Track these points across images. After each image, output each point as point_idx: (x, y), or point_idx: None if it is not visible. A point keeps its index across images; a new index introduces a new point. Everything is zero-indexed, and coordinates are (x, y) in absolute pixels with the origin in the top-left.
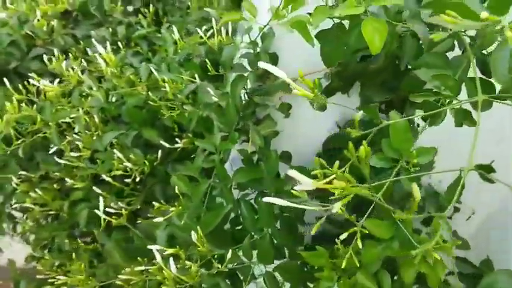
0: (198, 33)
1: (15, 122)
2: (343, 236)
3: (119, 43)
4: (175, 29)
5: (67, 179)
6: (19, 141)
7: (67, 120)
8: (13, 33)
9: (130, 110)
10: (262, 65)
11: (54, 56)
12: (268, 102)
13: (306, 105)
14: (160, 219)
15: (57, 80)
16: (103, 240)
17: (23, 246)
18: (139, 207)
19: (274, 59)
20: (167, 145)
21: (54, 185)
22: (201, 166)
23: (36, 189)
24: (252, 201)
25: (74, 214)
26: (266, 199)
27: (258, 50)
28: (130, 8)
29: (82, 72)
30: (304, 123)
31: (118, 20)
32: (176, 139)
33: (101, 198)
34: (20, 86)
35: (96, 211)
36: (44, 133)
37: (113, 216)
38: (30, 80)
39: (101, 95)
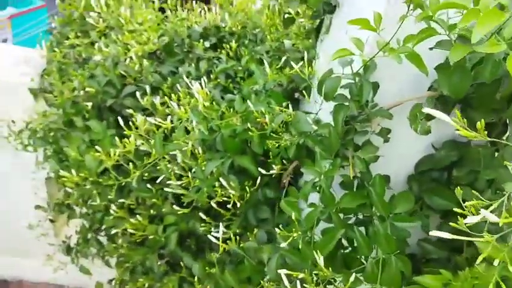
0: (274, 63)
1: (123, 155)
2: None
3: (203, 78)
4: (266, 64)
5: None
6: (136, 172)
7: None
8: (108, 73)
9: (225, 140)
10: (428, 110)
11: (145, 92)
12: (368, 128)
13: (401, 127)
14: (284, 244)
15: (168, 117)
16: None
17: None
18: (238, 231)
19: (375, 88)
20: (263, 171)
21: (150, 211)
22: (309, 192)
23: (136, 216)
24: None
25: (166, 237)
26: (433, 233)
27: (357, 79)
28: (207, 44)
29: (168, 107)
30: (397, 144)
31: (197, 56)
32: (273, 166)
33: (220, 225)
34: (122, 122)
35: (209, 236)
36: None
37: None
38: (136, 116)
39: (204, 128)
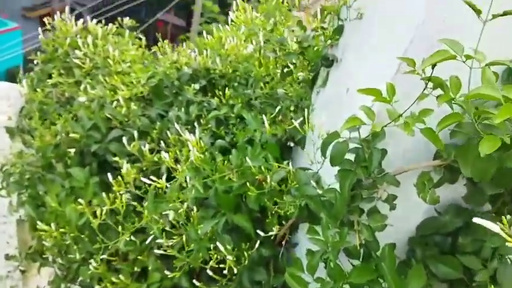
0: (268, 112)
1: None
2: None
3: (195, 124)
4: (265, 119)
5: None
6: (125, 234)
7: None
8: (93, 116)
9: (220, 196)
10: (478, 220)
11: (132, 137)
12: (375, 195)
13: (400, 189)
14: None
15: (164, 176)
16: None
17: None
18: None
19: (383, 155)
20: (262, 234)
21: (134, 267)
22: (316, 266)
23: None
24: None
25: None
26: None
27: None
28: (197, 86)
29: (158, 152)
30: (397, 205)
31: (187, 99)
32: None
33: None
34: (108, 171)
35: None
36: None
37: None
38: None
39: (199, 184)
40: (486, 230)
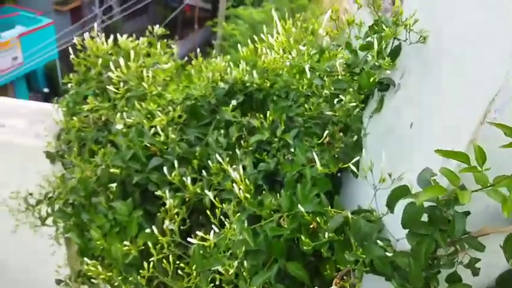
0: (315, 137)
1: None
2: None
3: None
4: (315, 156)
5: None
6: None
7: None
8: (132, 145)
9: (272, 243)
10: None
11: (173, 165)
12: (455, 260)
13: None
14: None
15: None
16: None
17: None
18: None
19: (466, 217)
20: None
21: None
22: None
23: None
24: None
25: None
26: None
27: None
28: (234, 102)
29: (200, 181)
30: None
31: (226, 119)
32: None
33: None
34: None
35: None
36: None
37: None
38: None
39: (248, 235)
40: None
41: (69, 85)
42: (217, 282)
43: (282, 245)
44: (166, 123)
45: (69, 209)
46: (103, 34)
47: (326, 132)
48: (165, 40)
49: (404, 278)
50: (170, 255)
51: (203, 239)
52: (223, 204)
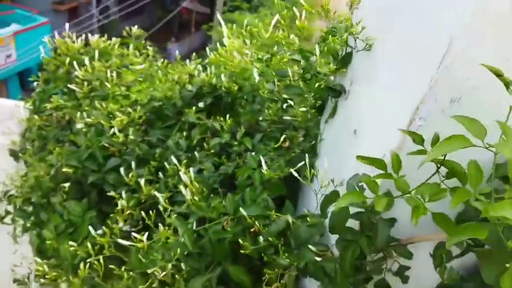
0: (273, 141)
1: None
2: None
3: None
4: (263, 160)
5: None
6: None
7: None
8: (91, 145)
9: (215, 246)
10: None
11: (130, 166)
12: (383, 266)
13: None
14: None
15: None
16: None
17: None
18: None
19: (392, 225)
20: None
21: None
22: None
23: None
24: None
25: None
26: None
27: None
28: (201, 105)
29: (157, 182)
30: (416, 273)
31: (190, 122)
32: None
33: None
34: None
35: None
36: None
37: None
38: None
39: (188, 238)
40: None
41: (35, 83)
42: (155, 285)
43: (225, 248)
44: (127, 123)
45: (30, 208)
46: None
47: (283, 136)
48: (148, 42)
49: (333, 282)
50: (101, 257)
51: (139, 241)
52: (175, 206)
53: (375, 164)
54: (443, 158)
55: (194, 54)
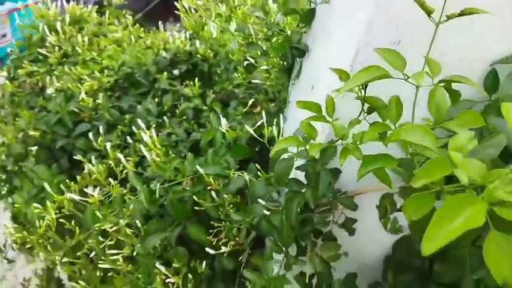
0: (242, 106)
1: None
2: None
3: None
4: (223, 120)
5: None
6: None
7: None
8: (60, 110)
9: (175, 205)
10: None
11: (99, 132)
12: (329, 218)
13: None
14: None
15: (97, 188)
16: None
17: None
18: None
19: (335, 175)
20: (213, 252)
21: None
22: None
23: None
24: None
25: None
26: None
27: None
28: (176, 72)
29: (124, 148)
30: (369, 227)
31: (162, 88)
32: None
33: None
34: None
35: None
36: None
37: None
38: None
39: (145, 197)
40: (467, 256)
41: (8, 50)
42: (111, 242)
43: (185, 208)
44: (97, 89)
45: (4, 175)
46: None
47: (251, 100)
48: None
49: (278, 237)
50: (53, 214)
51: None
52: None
53: (311, 109)
54: (364, 94)
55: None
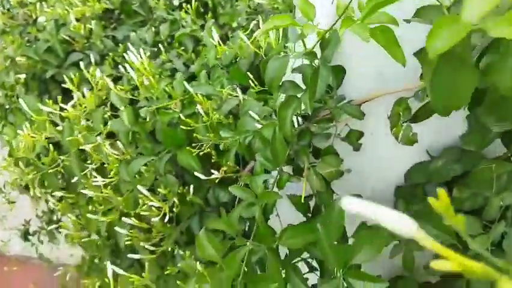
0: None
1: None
2: None
3: (160, 45)
4: (214, 30)
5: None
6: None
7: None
8: (50, 38)
9: (164, 130)
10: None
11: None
12: (331, 130)
13: (382, 129)
14: None
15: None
16: None
17: None
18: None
19: (338, 74)
20: (202, 177)
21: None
22: (236, 221)
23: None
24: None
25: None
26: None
27: (317, 62)
28: (176, 2)
29: (117, 80)
30: (378, 152)
31: (162, 18)
32: (213, 170)
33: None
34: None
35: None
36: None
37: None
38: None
39: (127, 115)
40: (492, 182)
41: None
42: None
43: (175, 132)
44: (91, 15)
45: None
46: None
47: (253, 22)
48: None
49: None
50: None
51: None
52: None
53: None
54: None
55: None
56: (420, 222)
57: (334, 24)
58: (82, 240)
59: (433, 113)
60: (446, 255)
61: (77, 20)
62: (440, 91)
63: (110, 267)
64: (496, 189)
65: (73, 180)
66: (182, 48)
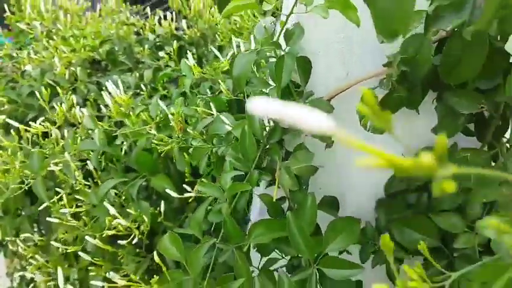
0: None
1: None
2: None
3: (143, 86)
4: (190, 54)
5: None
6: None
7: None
8: (34, 84)
9: (138, 154)
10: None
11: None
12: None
13: (358, 127)
14: None
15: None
16: None
17: None
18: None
19: (305, 66)
20: (175, 195)
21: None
22: (201, 220)
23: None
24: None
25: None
26: None
27: (282, 53)
28: (162, 54)
29: (99, 120)
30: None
31: (147, 66)
32: (187, 187)
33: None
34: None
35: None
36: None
37: None
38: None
39: (100, 136)
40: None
41: None
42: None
43: (149, 156)
44: (77, 62)
45: None
46: None
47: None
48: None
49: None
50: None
51: None
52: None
53: None
54: None
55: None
56: (398, 228)
57: (294, 5)
58: None
59: (402, 103)
60: (371, 151)
61: (65, 67)
62: (382, 13)
63: None
64: (476, 182)
65: (40, 208)
66: (166, 91)
